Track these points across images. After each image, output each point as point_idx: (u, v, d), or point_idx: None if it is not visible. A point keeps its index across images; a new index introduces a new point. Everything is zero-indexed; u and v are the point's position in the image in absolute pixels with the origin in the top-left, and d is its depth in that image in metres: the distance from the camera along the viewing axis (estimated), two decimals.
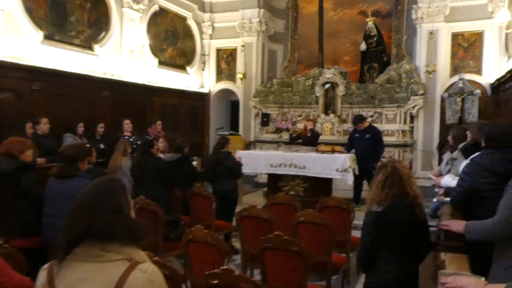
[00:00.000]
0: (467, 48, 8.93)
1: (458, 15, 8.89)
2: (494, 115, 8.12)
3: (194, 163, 6.26)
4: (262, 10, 10.77)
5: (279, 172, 7.03)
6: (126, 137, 6.68)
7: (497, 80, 8.00)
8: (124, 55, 8.22)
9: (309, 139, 7.69)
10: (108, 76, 7.77)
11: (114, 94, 7.79)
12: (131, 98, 8.29)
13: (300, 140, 7.90)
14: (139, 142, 6.27)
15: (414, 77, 9.13)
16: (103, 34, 7.76)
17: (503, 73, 7.46)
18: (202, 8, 11.03)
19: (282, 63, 12.04)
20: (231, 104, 11.83)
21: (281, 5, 11.91)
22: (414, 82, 9.03)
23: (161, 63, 9.48)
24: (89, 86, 7.29)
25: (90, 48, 7.49)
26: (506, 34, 7.69)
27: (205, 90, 11.17)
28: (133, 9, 8.38)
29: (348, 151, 7.16)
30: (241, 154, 6.99)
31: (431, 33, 8.71)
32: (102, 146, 6.53)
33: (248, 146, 10.42)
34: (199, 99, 10.98)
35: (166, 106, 9.54)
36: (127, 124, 6.90)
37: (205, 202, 4.99)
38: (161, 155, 6.16)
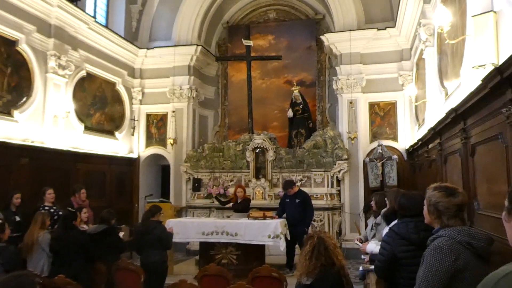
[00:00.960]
0: (383, 117, 9.75)
1: (374, 87, 9.79)
2: (411, 179, 8.78)
3: (121, 234, 5.93)
4: (192, 77, 11.06)
5: (211, 240, 6.91)
6: (46, 208, 6.26)
7: (411, 146, 8.70)
8: (47, 121, 7.91)
9: (240, 206, 7.75)
10: (28, 142, 7.35)
11: (34, 161, 7.38)
12: (53, 165, 7.91)
13: (231, 205, 7.93)
14: (60, 213, 5.92)
15: (338, 143, 9.67)
16: (24, 99, 7.46)
17: (415, 140, 8.13)
18: (132, 74, 11.12)
19: (213, 128, 12.25)
20: (162, 169, 11.65)
21: (211, 73, 12.34)
22: (339, 148, 9.55)
23: (88, 128, 9.25)
24: (6, 153, 6.85)
25: (8, 113, 7.13)
26: (415, 106, 8.51)
27: (134, 156, 10.97)
28: (59, 75, 8.21)
29: (280, 216, 7.27)
30: (171, 223, 6.80)
31: (350, 102, 9.42)
32: (18, 218, 6.03)
33: (179, 212, 10.19)
34: (128, 164, 10.72)
35: (92, 172, 9.17)
36: (49, 194, 6.51)
37: (132, 277, 4.71)
38: (85, 226, 5.88)
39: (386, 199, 4.10)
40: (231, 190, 9.21)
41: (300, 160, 9.68)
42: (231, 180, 10.01)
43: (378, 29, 9.63)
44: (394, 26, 9.34)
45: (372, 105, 9.84)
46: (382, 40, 9.69)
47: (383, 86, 9.73)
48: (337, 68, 10.16)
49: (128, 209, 10.52)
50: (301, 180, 9.47)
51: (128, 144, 10.86)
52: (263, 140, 9.70)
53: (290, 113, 11.16)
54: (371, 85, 9.82)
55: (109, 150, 10.00)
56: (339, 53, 10.04)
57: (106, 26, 10.19)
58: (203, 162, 10.37)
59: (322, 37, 10.50)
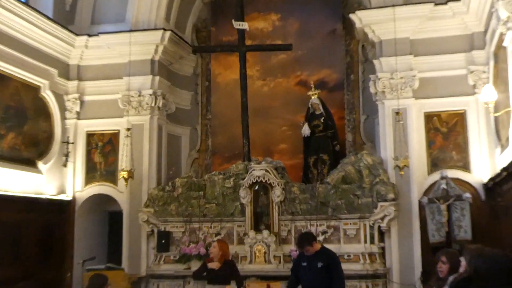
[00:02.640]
0: (447, 135, 9.65)
1: (431, 89, 9.74)
2: (493, 229, 8.57)
3: None
4: (157, 78, 11.04)
5: None
6: None
7: (491, 179, 8.55)
8: None
9: (217, 274, 7.27)
10: None
11: None
12: None
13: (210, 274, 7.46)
14: None
15: (380, 175, 9.52)
16: None
17: (498, 170, 7.98)
18: (66, 74, 11.11)
19: (189, 154, 12.16)
20: (110, 218, 11.50)
21: (186, 71, 12.35)
22: (381, 182, 9.39)
23: None
24: None
25: None
26: (495, 117, 8.39)
27: (67, 197, 10.83)
28: None
29: None
30: None
31: (397, 113, 9.23)
32: None
33: (137, 284, 9.99)
34: (58, 211, 10.57)
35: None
36: None
37: None
38: None
39: (461, 260, 3.93)
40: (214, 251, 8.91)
41: (322, 201, 9.52)
42: (218, 234, 9.80)
43: (436, 4, 9.62)
44: None
45: (429, 117, 9.78)
46: (442, 20, 9.68)
47: (445, 88, 9.67)
48: (375, 62, 10.13)
49: (57, 281, 10.26)
50: (324, 232, 9.29)
51: (58, 179, 10.74)
52: (266, 171, 9.56)
53: (306, 130, 11.09)
54: (427, 87, 9.76)
55: (28, 189, 9.83)
56: (378, 40, 10.02)
57: (26, 3, 10.09)
58: (174, 206, 10.24)
59: (352, 16, 10.46)
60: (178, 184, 10.49)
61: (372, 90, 10.23)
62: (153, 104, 10.95)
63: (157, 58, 11.17)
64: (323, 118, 11.10)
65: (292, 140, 11.74)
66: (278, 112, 11.87)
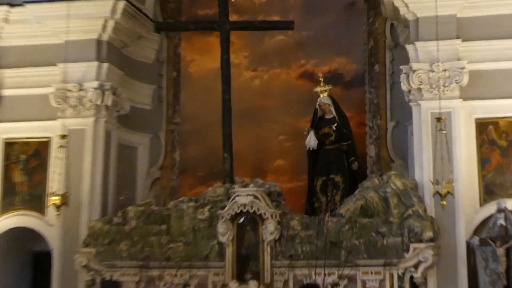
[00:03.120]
0: (507, 150, 9.63)
1: (485, 87, 9.77)
2: None
3: None
4: (106, 65, 11.05)
5: None
6: None
7: None
8: None
9: None
10: None
11: None
12: None
13: None
14: None
15: (414, 205, 9.45)
16: None
17: None
18: None
19: (148, 172, 12.22)
20: (34, 261, 11.48)
21: (146, 56, 12.44)
22: (415, 215, 9.33)
23: None
24: None
25: None
26: None
27: None
28: None
29: None
30: None
31: (438, 119, 9.14)
32: None
33: None
34: None
35: None
36: None
37: None
38: None
39: None
40: None
41: (333, 241, 9.47)
42: (186, 285, 9.79)
43: None
44: None
45: (483, 126, 9.79)
46: None
47: (504, 86, 9.71)
48: (408, 48, 10.15)
49: None
50: (335, 285, 9.22)
51: None
52: (255, 197, 9.55)
53: (312, 142, 11.09)
54: (480, 84, 9.80)
55: None
56: (414, 17, 10.09)
57: None
58: (125, 246, 10.21)
59: None
60: (132, 214, 10.43)
61: (404, 87, 10.20)
62: (98, 102, 10.90)
63: (105, 37, 11.21)
64: (335, 124, 11.11)
65: (292, 154, 11.78)
66: (274, 115, 11.91)
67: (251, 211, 9.53)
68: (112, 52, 11.39)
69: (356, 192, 10.12)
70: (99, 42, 11.16)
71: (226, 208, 9.68)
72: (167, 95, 12.52)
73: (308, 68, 11.81)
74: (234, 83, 11.12)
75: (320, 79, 11.29)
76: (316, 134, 11.13)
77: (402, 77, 10.25)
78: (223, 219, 9.67)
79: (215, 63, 11.36)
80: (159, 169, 12.23)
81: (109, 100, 11.03)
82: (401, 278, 9.19)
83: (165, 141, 12.32)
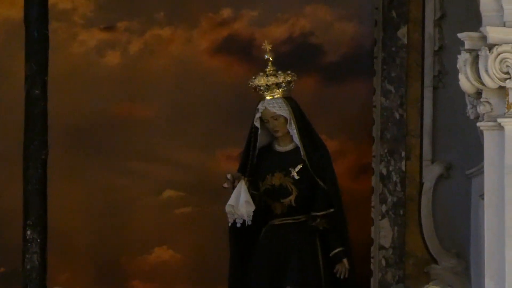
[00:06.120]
0: None
1: None
2: None
3: None
4: None
5: None
6: None
7: None
8: None
9: None
10: None
11: None
12: None
13: None
14: None
15: None
16: None
17: None
18: None
19: None
20: None
21: None
22: None
23: None
24: None
25: None
26: None
27: None
28: None
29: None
30: None
31: None
32: None
33: None
34: None
35: None
36: None
37: None
38: None
39: None
40: None
41: None
42: None
43: None
44: None
45: None
46: None
47: None
48: None
49: None
50: None
51: None
52: None
53: (244, 209, 8.34)
54: None
55: None
56: None
57: None
58: None
59: None
60: None
61: (465, 84, 6.12)
62: None
63: None
64: (299, 166, 6.69)
65: (196, 232, 8.15)
66: (158, 141, 8.20)
67: None
68: None
69: None
70: None
71: None
72: None
73: (242, 30, 8.38)
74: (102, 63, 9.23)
75: (266, 47, 6.98)
76: (254, 189, 6.63)
77: (460, 64, 5.96)
78: None
79: (16, 12, 9.39)
80: None
81: None
82: None
83: None
